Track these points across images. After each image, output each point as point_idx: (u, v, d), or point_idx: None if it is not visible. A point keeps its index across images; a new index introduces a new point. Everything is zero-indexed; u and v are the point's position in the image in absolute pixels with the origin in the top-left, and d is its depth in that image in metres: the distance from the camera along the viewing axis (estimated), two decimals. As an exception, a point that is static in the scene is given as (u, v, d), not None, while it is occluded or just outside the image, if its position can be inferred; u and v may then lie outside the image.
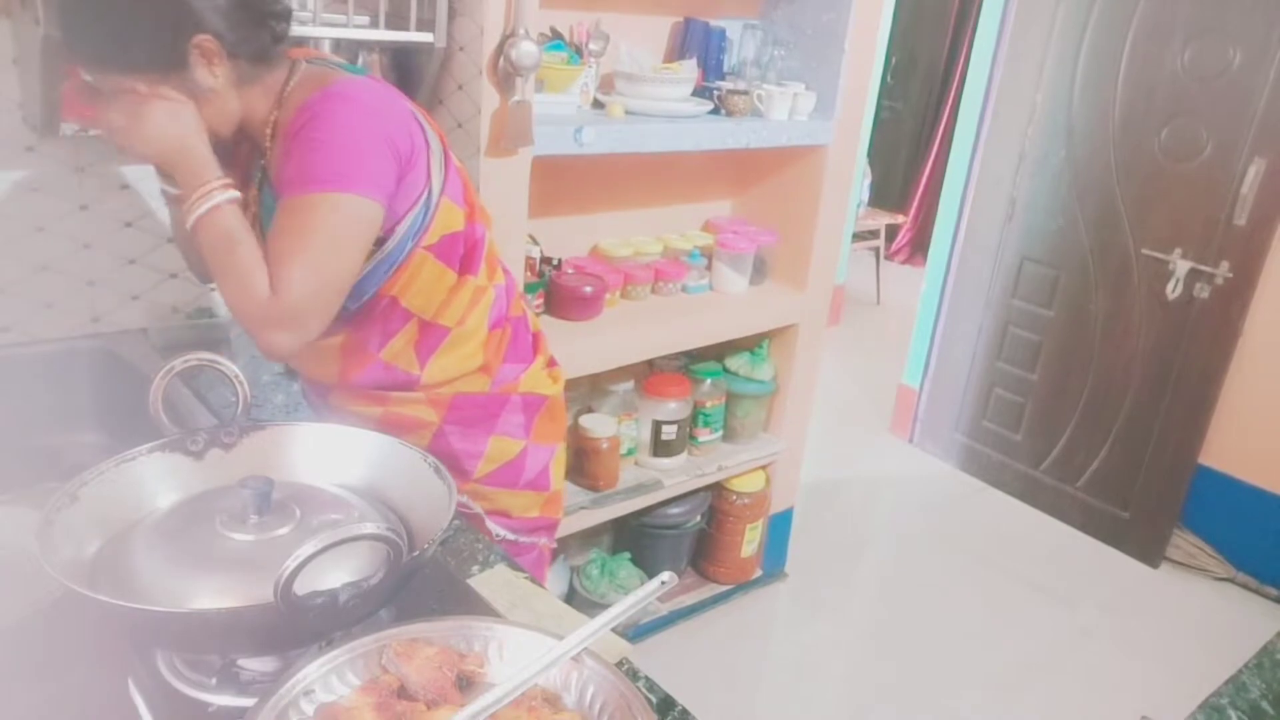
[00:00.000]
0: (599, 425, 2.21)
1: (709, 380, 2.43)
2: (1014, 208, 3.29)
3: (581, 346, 2.00)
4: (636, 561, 2.51)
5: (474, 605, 1.03)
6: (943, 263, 3.56)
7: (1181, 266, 2.86)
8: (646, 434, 2.35)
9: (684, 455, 2.42)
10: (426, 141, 1.19)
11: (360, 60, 1.66)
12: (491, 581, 1.09)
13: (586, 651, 0.78)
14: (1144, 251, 2.97)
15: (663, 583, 0.82)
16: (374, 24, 1.54)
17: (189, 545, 0.87)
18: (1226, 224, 2.77)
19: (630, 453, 2.35)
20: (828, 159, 2.31)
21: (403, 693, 0.77)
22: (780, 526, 2.78)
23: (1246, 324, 2.81)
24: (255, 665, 0.85)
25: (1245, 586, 2.98)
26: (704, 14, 2.28)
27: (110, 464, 0.94)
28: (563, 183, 2.15)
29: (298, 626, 0.78)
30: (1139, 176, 2.94)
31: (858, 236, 5.31)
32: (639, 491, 2.30)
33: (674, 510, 2.48)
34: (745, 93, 2.17)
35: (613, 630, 0.80)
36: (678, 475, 2.38)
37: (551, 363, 1.48)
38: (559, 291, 2.07)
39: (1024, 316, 3.34)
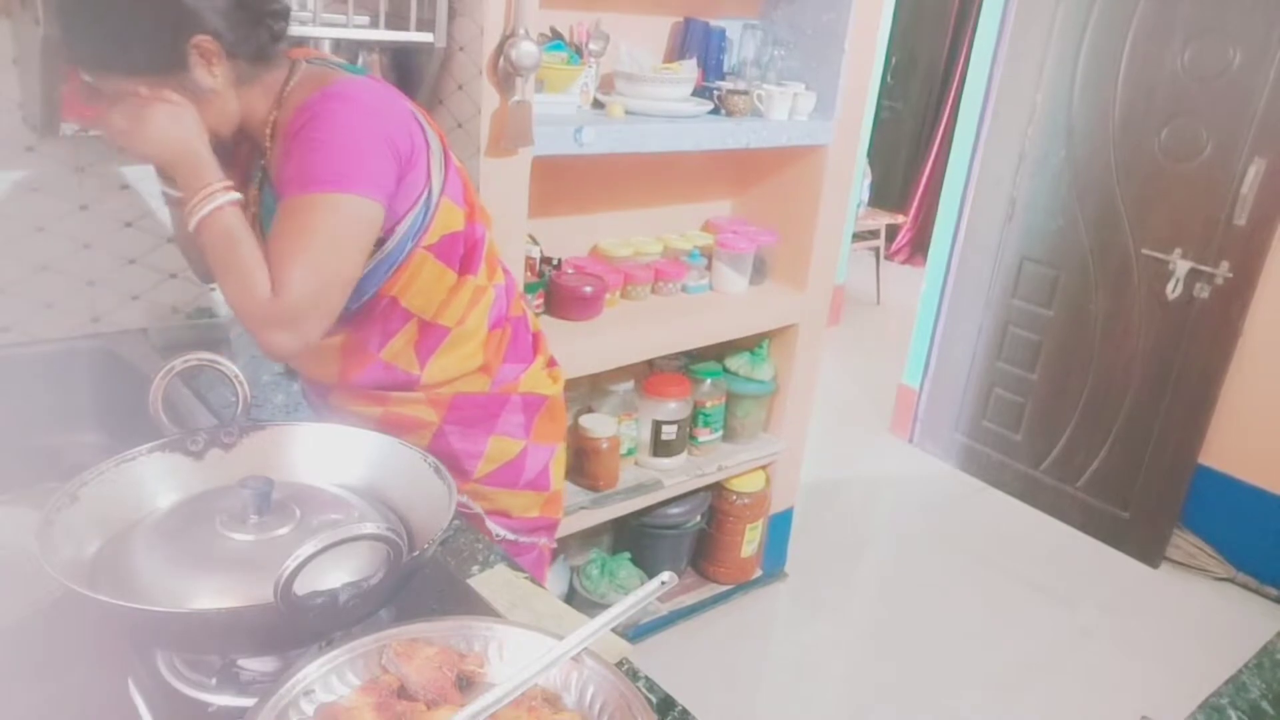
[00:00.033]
0: (599, 425, 2.21)
1: (709, 380, 2.43)
2: (1014, 208, 3.29)
3: (581, 346, 2.00)
4: (636, 561, 2.51)
5: (474, 605, 1.03)
6: (943, 263, 3.56)
7: (1181, 266, 2.86)
8: (646, 434, 2.35)
9: (684, 455, 2.42)
10: (426, 141, 1.19)
11: (360, 60, 1.66)
12: (491, 581, 1.09)
13: (586, 651, 0.78)
14: (1144, 251, 2.97)
15: (663, 583, 0.82)
16: (374, 24, 1.54)
17: (189, 545, 0.87)
18: (1226, 224, 2.77)
19: (630, 453, 2.35)
20: (828, 159, 2.31)
21: (403, 693, 0.77)
22: (780, 526, 2.78)
23: (1246, 324, 2.81)
24: (255, 665, 0.85)
25: (1245, 586, 2.98)
26: (704, 14, 2.28)
27: (110, 464, 0.94)
28: (563, 183, 2.15)
29: (298, 626, 0.78)
30: (1139, 176, 2.94)
31: (858, 236, 5.31)
32: (639, 491, 2.30)
33: (674, 510, 2.48)
34: (745, 93, 2.17)
35: (613, 630, 0.80)
36: (678, 475, 2.38)
37: (551, 363, 1.48)
38: (559, 291, 2.07)
39: (1024, 316, 3.34)
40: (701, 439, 2.44)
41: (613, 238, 2.37)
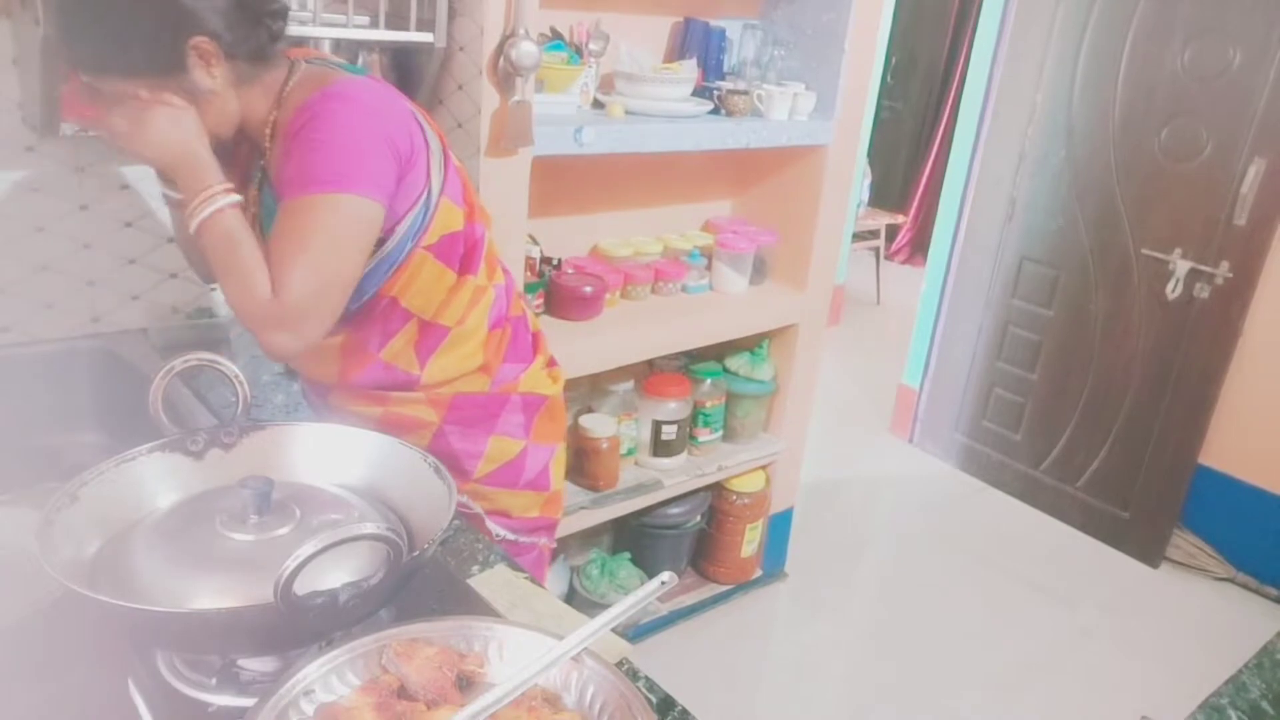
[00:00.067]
0: (599, 425, 2.21)
1: (709, 380, 2.43)
2: (1014, 208, 3.29)
3: (581, 346, 2.00)
4: (636, 561, 2.51)
5: (474, 605, 1.03)
6: (943, 263, 3.56)
7: (1181, 266, 2.86)
8: (646, 434, 2.35)
9: (684, 455, 2.42)
10: (426, 142, 1.19)
11: (360, 60, 1.66)
12: (491, 581, 1.09)
13: (586, 651, 0.78)
14: (1144, 251, 2.97)
15: (663, 583, 0.82)
16: (374, 24, 1.54)
17: (189, 545, 0.87)
18: (1226, 224, 2.77)
19: (630, 453, 2.35)
20: (828, 159, 2.31)
21: (403, 693, 0.77)
22: (780, 526, 2.78)
23: (1246, 324, 2.81)
24: (255, 665, 0.85)
25: (1245, 586, 2.98)
26: (704, 14, 2.28)
27: (110, 464, 0.94)
28: (563, 183, 2.15)
29: (298, 626, 0.78)
30: (1139, 176, 2.94)
31: (858, 236, 5.31)
32: (639, 491, 2.30)
33: (674, 510, 2.48)
34: (745, 93, 2.16)
35: (613, 630, 0.80)
36: (678, 475, 2.38)
37: (551, 362, 1.48)
38: (559, 291, 2.07)
39: (1024, 316, 3.34)
40: (701, 439, 2.44)
41: (613, 238, 2.37)
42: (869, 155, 4.90)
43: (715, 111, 2.18)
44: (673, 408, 2.34)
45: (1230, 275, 2.78)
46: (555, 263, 2.15)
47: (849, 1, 2.16)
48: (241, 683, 0.84)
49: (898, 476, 3.59)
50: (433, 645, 0.80)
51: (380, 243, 1.17)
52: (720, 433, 2.49)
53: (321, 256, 1.08)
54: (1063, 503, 3.32)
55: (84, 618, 0.88)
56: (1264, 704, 0.98)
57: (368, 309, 1.24)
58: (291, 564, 0.72)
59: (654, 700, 0.90)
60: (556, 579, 2.38)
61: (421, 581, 1.02)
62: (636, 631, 2.46)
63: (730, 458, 2.49)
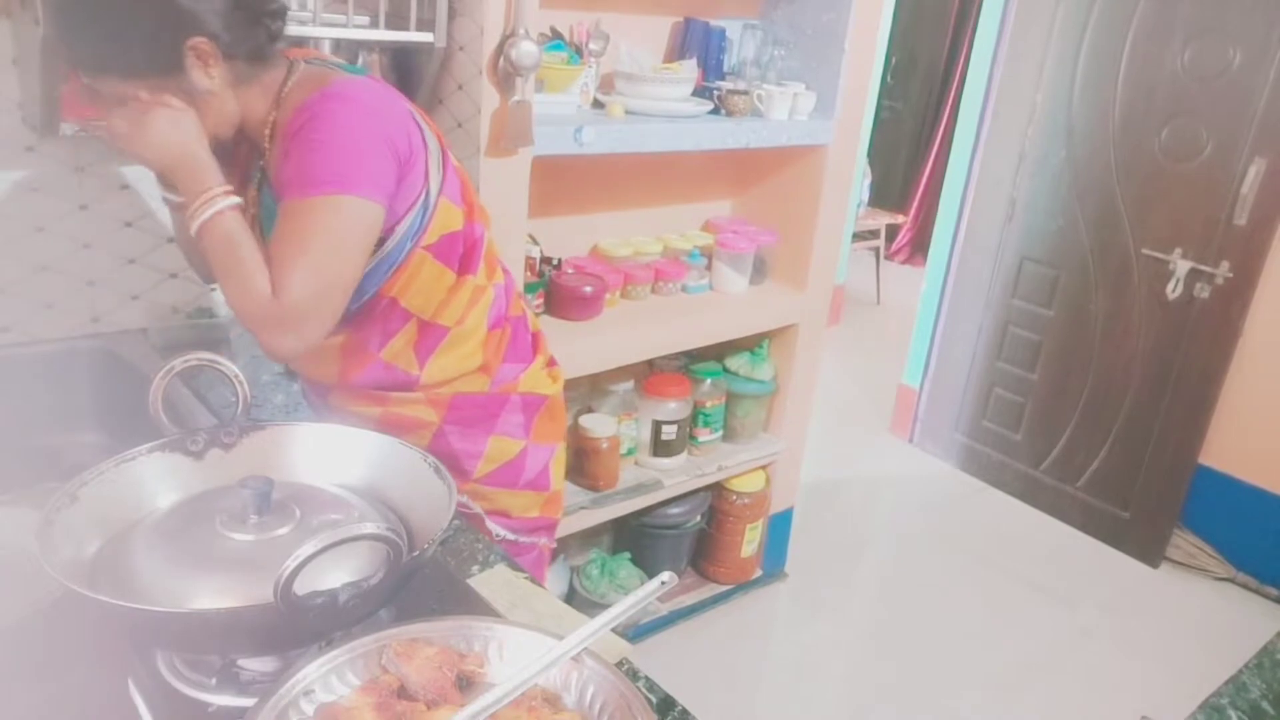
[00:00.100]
0: (599, 425, 2.21)
1: (709, 380, 2.43)
2: (1014, 208, 3.29)
3: (581, 346, 2.00)
4: (636, 561, 2.51)
5: (474, 605, 1.03)
6: (943, 263, 3.56)
7: (1182, 266, 2.86)
8: (646, 434, 2.35)
9: (684, 455, 2.42)
10: (425, 142, 1.19)
11: (360, 60, 1.66)
12: (491, 581, 1.09)
13: (586, 651, 0.78)
14: (1144, 251, 2.97)
15: (663, 583, 0.82)
16: (374, 24, 1.54)
17: (189, 545, 0.87)
18: (1226, 224, 2.77)
19: (630, 453, 2.35)
20: (828, 159, 2.31)
21: (403, 693, 0.77)
22: (780, 526, 2.78)
23: (1246, 324, 2.81)
24: (255, 665, 0.85)
25: (1245, 586, 2.98)
26: (704, 14, 2.28)
27: (110, 464, 0.94)
28: (563, 183, 2.15)
29: (298, 626, 0.78)
30: (1139, 176, 2.94)
31: (858, 236, 5.31)
32: (639, 491, 2.30)
33: (674, 510, 2.48)
34: (745, 93, 2.16)
35: (613, 630, 0.80)
36: (678, 475, 2.38)
37: (551, 362, 1.48)
38: (559, 291, 2.07)
39: (1024, 316, 3.34)
40: (701, 439, 2.44)
41: (613, 238, 2.37)
42: (869, 155, 4.90)
43: (715, 111, 2.18)
44: (673, 408, 2.34)
45: (1230, 275, 2.78)
46: (555, 263, 2.15)
47: (849, 1, 2.16)
48: (241, 683, 0.84)
49: (898, 476, 3.59)
50: (433, 645, 0.80)
51: (380, 243, 1.17)
52: (720, 433, 2.49)
53: (322, 258, 1.08)
54: (1063, 503, 3.32)
55: (84, 618, 0.88)
56: (1264, 704, 0.98)
57: (367, 309, 1.24)
58: (291, 564, 0.72)
59: (654, 700, 0.90)
60: (556, 579, 2.38)
61: (421, 581, 1.02)
62: (636, 631, 2.46)
63: (730, 458, 2.49)
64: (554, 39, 1.97)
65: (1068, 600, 2.89)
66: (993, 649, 2.63)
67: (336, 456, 1.05)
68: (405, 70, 1.75)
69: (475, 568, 1.12)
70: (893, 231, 6.04)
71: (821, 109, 2.26)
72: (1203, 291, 2.85)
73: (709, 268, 2.41)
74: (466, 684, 0.80)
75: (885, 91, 5.36)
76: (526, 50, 1.62)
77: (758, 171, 2.50)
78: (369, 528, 0.77)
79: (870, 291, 5.56)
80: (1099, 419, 3.17)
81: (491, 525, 1.41)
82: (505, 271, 1.41)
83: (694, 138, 2.03)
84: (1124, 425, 3.10)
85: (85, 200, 1.59)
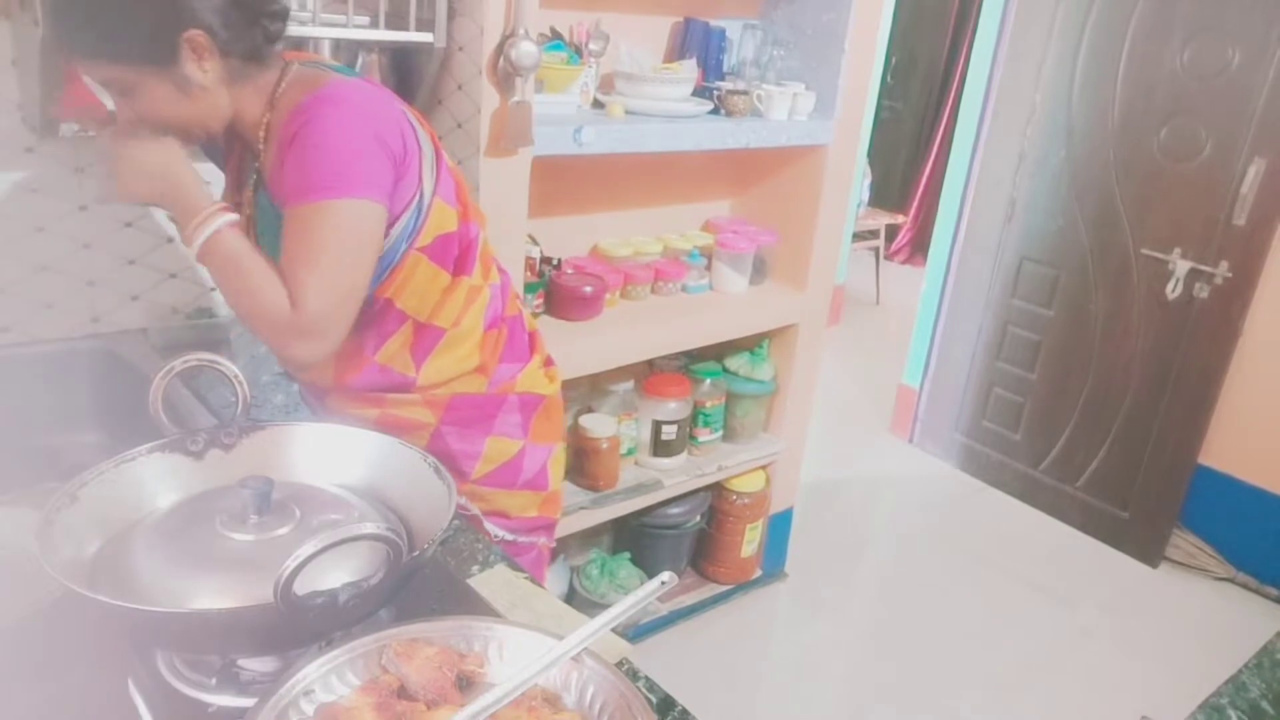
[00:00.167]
0: (599, 425, 2.21)
1: (709, 380, 2.43)
2: (1014, 208, 3.29)
3: (581, 346, 2.00)
4: (636, 561, 2.51)
5: (474, 605, 1.03)
6: (943, 263, 3.56)
7: (1181, 266, 2.86)
8: (646, 434, 2.35)
9: (684, 455, 2.42)
10: (419, 144, 1.19)
11: (360, 60, 1.66)
12: (491, 581, 1.09)
13: (586, 651, 0.78)
14: (1144, 251, 2.97)
15: (663, 583, 0.82)
16: (374, 24, 1.54)
17: (189, 545, 0.87)
18: (1226, 224, 2.77)
19: (630, 453, 2.35)
20: (828, 159, 2.31)
21: (403, 693, 0.77)
22: (780, 526, 2.78)
23: (1246, 324, 2.81)
24: (255, 665, 0.85)
25: (1245, 586, 2.98)
26: (704, 14, 2.28)
27: (110, 464, 0.94)
28: (563, 183, 2.15)
29: (298, 626, 0.78)
30: (1138, 176, 2.94)
31: (858, 236, 5.31)
32: (639, 491, 2.30)
33: (674, 510, 2.48)
34: (745, 93, 2.16)
35: (613, 630, 0.80)
36: (678, 475, 2.38)
37: (548, 362, 1.48)
38: (559, 291, 2.07)
39: (1024, 316, 3.34)
40: (701, 439, 2.44)
41: (613, 238, 2.36)
42: (869, 155, 4.90)
43: (715, 111, 2.18)
44: (673, 408, 2.34)
45: (1230, 275, 2.78)
46: (555, 263, 2.15)
47: (849, 1, 2.16)
48: (241, 683, 0.84)
49: (898, 476, 3.59)
50: (433, 645, 0.80)
51: (378, 244, 1.17)
52: (720, 433, 2.49)
53: (334, 263, 1.08)
54: (1062, 503, 3.32)
55: (84, 618, 0.88)
56: (1264, 704, 0.98)
57: (363, 311, 1.23)
58: (291, 564, 0.72)
59: (654, 700, 0.90)
60: (556, 579, 2.38)
61: (421, 581, 1.02)
62: (636, 631, 2.46)
63: (730, 458, 2.49)
64: (554, 39, 1.97)
65: (1068, 600, 2.89)
66: (993, 649, 2.63)
67: (336, 456, 1.05)
68: (405, 70, 1.75)
69: (475, 568, 1.12)
70: (893, 231, 6.04)
71: (821, 109, 2.26)
72: (1202, 291, 2.85)
73: (709, 268, 2.41)
74: (466, 684, 0.80)
75: (885, 91, 5.36)
76: (526, 50, 1.62)
77: (758, 171, 2.50)
78: (369, 528, 0.77)
79: (870, 291, 5.56)
80: (1099, 419, 3.17)
81: (490, 526, 1.41)
82: (502, 271, 1.41)
83: (694, 138, 2.03)
84: (1124, 425, 3.10)
85: (85, 200, 1.59)
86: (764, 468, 2.62)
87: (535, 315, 2.05)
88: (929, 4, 5.88)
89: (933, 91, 6.08)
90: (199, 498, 0.96)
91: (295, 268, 1.08)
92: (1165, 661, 2.63)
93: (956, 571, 2.99)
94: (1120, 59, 2.92)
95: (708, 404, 2.42)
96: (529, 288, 2.02)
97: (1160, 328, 2.97)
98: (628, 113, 2.02)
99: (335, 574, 0.80)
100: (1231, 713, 0.96)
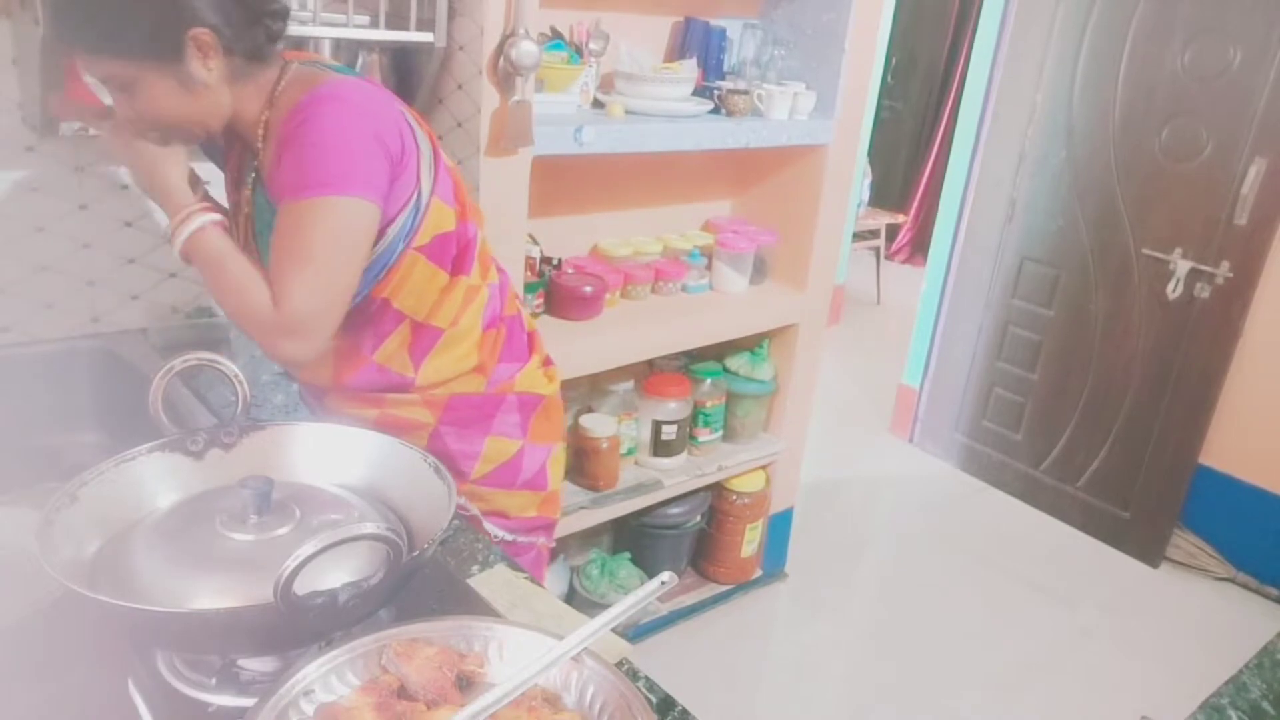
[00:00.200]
0: (599, 425, 2.21)
1: (709, 380, 2.43)
2: (1014, 208, 3.29)
3: (581, 346, 2.00)
4: (636, 561, 2.51)
5: (474, 605, 1.03)
6: (943, 263, 3.56)
7: (1182, 266, 2.86)
8: (646, 434, 2.35)
9: (684, 455, 2.42)
10: (416, 144, 1.19)
11: (360, 60, 1.66)
12: (491, 581, 1.09)
13: (586, 651, 0.78)
14: (1144, 251, 2.97)
15: (663, 583, 0.82)
16: (374, 24, 1.54)
17: (189, 545, 0.87)
18: (1227, 224, 2.77)
19: (630, 453, 2.35)
20: (828, 159, 2.31)
21: (403, 693, 0.77)
22: (780, 526, 2.78)
23: (1247, 324, 2.81)
24: (255, 665, 0.85)
25: (1245, 586, 2.98)
26: (704, 14, 2.28)
27: (110, 464, 0.94)
28: (563, 183, 2.15)
29: (298, 626, 0.78)
30: (1139, 176, 2.94)
31: (858, 236, 5.31)
32: (639, 491, 2.30)
33: (674, 510, 2.48)
34: (745, 92, 2.16)
35: (613, 630, 0.80)
36: (678, 475, 2.38)
37: (547, 362, 1.48)
38: (559, 291, 2.07)
39: (1024, 316, 3.34)
40: (701, 439, 2.44)
41: (613, 238, 2.36)
42: (869, 155, 4.90)
43: (715, 111, 2.18)
44: (673, 408, 2.34)
45: (1230, 275, 2.78)
46: (555, 262, 2.15)
47: (849, 1, 2.16)
48: (241, 683, 0.84)
49: (898, 476, 3.59)
50: (433, 645, 0.80)
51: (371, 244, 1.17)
52: (720, 433, 2.49)
53: (323, 262, 1.08)
54: (1063, 503, 3.32)
55: (84, 618, 0.88)
56: (1264, 704, 0.98)
57: (360, 311, 1.23)
58: (291, 564, 0.72)
59: (654, 700, 0.90)
60: (556, 579, 2.38)
61: (421, 581, 1.02)
62: (636, 631, 2.46)
63: (730, 458, 2.49)
64: (554, 39, 1.97)
65: (1068, 600, 2.89)
66: (993, 649, 2.63)
67: (336, 456, 1.05)
68: (405, 70, 1.75)
69: (475, 568, 1.12)
70: (893, 231, 6.04)
71: (821, 109, 2.26)
72: (1203, 291, 2.85)
73: (709, 268, 2.41)
74: (466, 684, 0.80)
75: (885, 91, 5.36)
76: (526, 50, 1.62)
77: (758, 171, 2.50)
78: (369, 528, 0.77)
79: (870, 291, 5.56)
80: (1099, 419, 3.17)
81: (489, 526, 1.41)
82: (500, 271, 1.41)
83: (694, 138, 2.03)
84: (1124, 425, 3.10)
85: (85, 200, 1.59)
86: (764, 468, 2.62)
87: (535, 315, 2.05)
88: (929, 4, 5.88)
89: (933, 91, 6.08)
90: (199, 498, 0.96)
91: (283, 266, 1.09)
92: (1165, 661, 2.63)
93: (956, 571, 2.99)
94: (1121, 59, 2.92)
95: (708, 404, 2.42)
96: (529, 287, 2.02)
97: (1161, 328, 2.97)
98: (628, 112, 2.01)
99: (335, 574, 0.80)
100: (1232, 713, 0.96)
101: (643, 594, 0.81)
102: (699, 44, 2.26)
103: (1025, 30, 3.15)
